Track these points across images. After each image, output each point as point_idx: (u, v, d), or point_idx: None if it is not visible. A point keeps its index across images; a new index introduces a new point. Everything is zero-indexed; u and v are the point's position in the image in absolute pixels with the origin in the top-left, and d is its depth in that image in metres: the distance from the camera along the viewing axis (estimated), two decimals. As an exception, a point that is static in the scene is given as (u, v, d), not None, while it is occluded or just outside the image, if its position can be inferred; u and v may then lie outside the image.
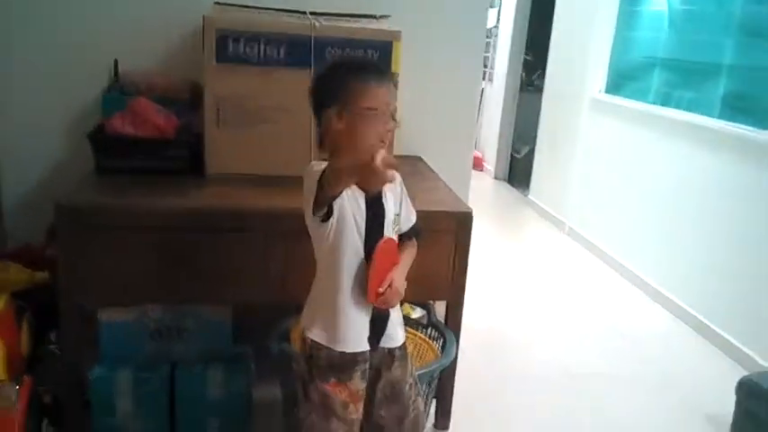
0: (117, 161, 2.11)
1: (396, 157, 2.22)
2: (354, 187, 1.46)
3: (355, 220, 1.47)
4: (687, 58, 3.61)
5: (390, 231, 1.52)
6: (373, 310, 1.52)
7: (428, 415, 2.14)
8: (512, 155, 6.38)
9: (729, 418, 2.36)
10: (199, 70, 2.17)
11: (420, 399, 1.68)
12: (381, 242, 1.48)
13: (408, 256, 1.60)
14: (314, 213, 1.41)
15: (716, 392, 2.60)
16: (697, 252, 3.35)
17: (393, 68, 2.19)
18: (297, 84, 2.13)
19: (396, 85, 1.58)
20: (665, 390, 2.72)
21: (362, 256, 1.48)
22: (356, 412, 1.53)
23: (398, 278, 1.50)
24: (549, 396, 2.61)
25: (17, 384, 1.81)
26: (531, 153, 5.72)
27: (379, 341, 1.55)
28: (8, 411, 1.76)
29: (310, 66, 2.13)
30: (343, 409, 1.51)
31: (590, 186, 4.51)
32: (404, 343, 1.62)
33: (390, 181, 1.32)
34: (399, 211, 1.57)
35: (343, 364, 1.50)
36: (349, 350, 1.50)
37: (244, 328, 2.16)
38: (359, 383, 1.52)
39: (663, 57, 3.80)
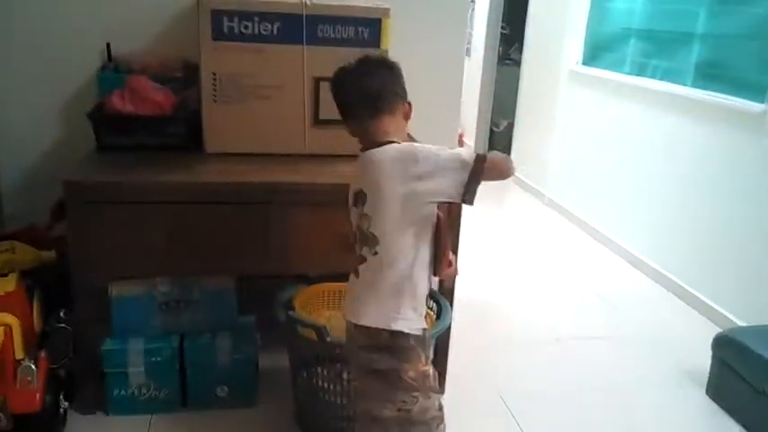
0: (118, 138, 2.17)
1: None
2: None
3: None
4: (661, 28, 3.71)
5: None
6: None
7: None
8: (491, 129, 6.46)
9: (707, 373, 2.51)
10: (191, 48, 2.21)
11: None
12: (442, 214, 1.56)
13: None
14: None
15: (694, 350, 2.73)
16: (674, 218, 3.48)
17: (382, 45, 2.25)
18: (290, 60, 2.20)
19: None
20: (646, 349, 2.85)
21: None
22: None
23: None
24: (535, 359, 2.72)
25: (34, 360, 1.87)
26: (510, 127, 5.82)
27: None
28: (29, 386, 1.82)
29: (302, 42, 2.19)
30: (434, 380, 1.61)
31: (569, 157, 4.63)
32: None
33: None
34: None
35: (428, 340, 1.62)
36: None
37: (247, 298, 2.23)
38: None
39: (638, 27, 3.89)
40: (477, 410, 2.33)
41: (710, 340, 2.50)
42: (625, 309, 3.26)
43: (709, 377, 2.50)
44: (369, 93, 1.55)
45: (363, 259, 1.57)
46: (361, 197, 1.55)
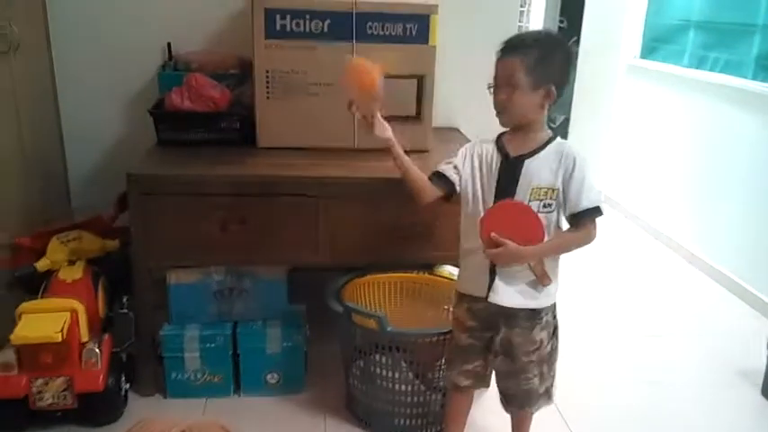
0: (176, 134, 2.28)
1: (434, 128, 2.36)
2: (491, 145, 1.70)
3: (481, 180, 1.67)
4: (721, 20, 3.61)
5: (525, 198, 1.61)
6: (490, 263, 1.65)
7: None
8: (548, 124, 6.39)
9: (761, 371, 2.45)
10: (246, 46, 2.29)
11: (536, 378, 1.75)
12: (508, 199, 1.62)
13: (557, 240, 1.64)
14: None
15: (750, 348, 2.66)
16: (732, 213, 3.39)
17: (430, 41, 2.28)
18: (339, 57, 2.25)
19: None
20: (701, 347, 2.79)
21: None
22: (460, 339, 1.78)
23: (520, 247, 1.58)
24: (587, 354, 2.71)
25: (98, 344, 1.99)
26: (566, 122, 5.74)
27: (488, 291, 1.67)
28: (93, 367, 1.94)
29: (352, 39, 2.24)
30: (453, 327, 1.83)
31: (626, 152, 4.55)
32: (535, 315, 1.70)
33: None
34: (559, 186, 1.60)
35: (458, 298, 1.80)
36: (462, 290, 1.78)
37: (298, 288, 2.30)
38: (463, 314, 1.76)
39: (697, 19, 3.80)
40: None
41: (764, 336, 2.44)
42: (680, 306, 3.21)
43: (765, 376, 2.45)
44: None
45: None
46: None
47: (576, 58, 5.41)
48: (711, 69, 3.64)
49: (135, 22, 2.52)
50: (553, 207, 1.62)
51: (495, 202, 1.64)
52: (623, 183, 4.57)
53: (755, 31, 3.29)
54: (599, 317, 3.04)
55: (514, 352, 1.72)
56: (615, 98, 4.67)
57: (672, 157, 3.97)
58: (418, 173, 1.79)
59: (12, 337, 1.85)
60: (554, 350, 1.78)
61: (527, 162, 1.63)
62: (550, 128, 5.87)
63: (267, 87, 2.25)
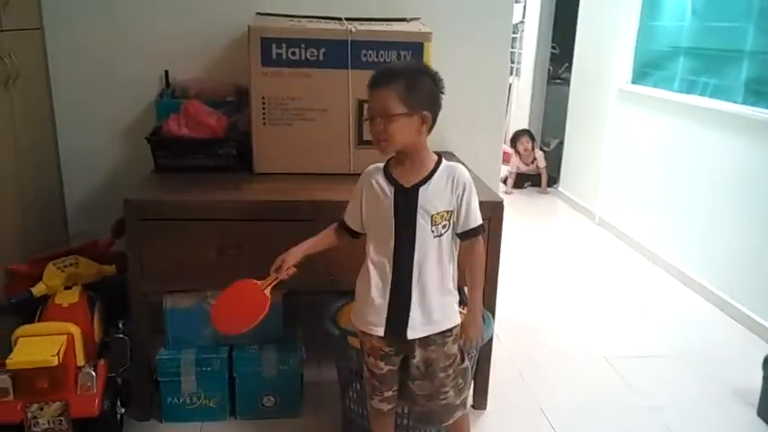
0: (174, 160, 2.31)
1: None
2: (381, 177, 1.70)
3: (378, 214, 1.69)
4: (710, 46, 3.68)
5: (425, 226, 1.66)
6: (391, 300, 1.70)
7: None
8: (541, 148, 6.45)
9: (757, 392, 2.45)
10: (243, 73, 2.33)
11: (452, 391, 1.79)
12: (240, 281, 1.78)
13: (475, 270, 1.76)
14: None
15: (745, 369, 2.68)
16: (724, 235, 3.42)
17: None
18: (335, 84, 2.30)
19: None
20: (696, 368, 2.80)
21: (390, 248, 1.68)
22: (377, 367, 1.78)
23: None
24: (581, 375, 2.71)
25: (94, 368, 2.00)
26: (560, 145, 5.80)
27: (399, 330, 1.70)
28: (89, 392, 1.94)
29: (348, 67, 2.28)
30: (366, 356, 1.82)
31: (619, 176, 4.59)
32: (446, 331, 1.74)
33: None
34: (453, 208, 1.69)
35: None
36: (363, 329, 1.78)
37: (294, 310, 2.32)
38: (379, 342, 1.76)
39: (687, 45, 3.87)
40: (517, 422, 2.35)
41: (758, 357, 2.45)
42: (674, 327, 3.22)
43: (761, 397, 2.45)
44: None
45: None
46: None
47: (569, 83, 5.50)
48: (701, 94, 3.70)
49: (132, 50, 2.57)
50: (450, 227, 1.70)
51: (396, 232, 1.68)
52: (616, 205, 4.60)
53: (743, 57, 3.35)
54: (592, 339, 3.04)
55: (432, 370, 1.75)
56: (607, 122, 4.73)
57: (663, 180, 4.01)
58: (317, 241, 1.86)
59: (8, 361, 1.85)
60: (467, 363, 1.84)
61: (421, 190, 1.67)
62: (544, 151, 5.93)
63: (263, 114, 2.28)
